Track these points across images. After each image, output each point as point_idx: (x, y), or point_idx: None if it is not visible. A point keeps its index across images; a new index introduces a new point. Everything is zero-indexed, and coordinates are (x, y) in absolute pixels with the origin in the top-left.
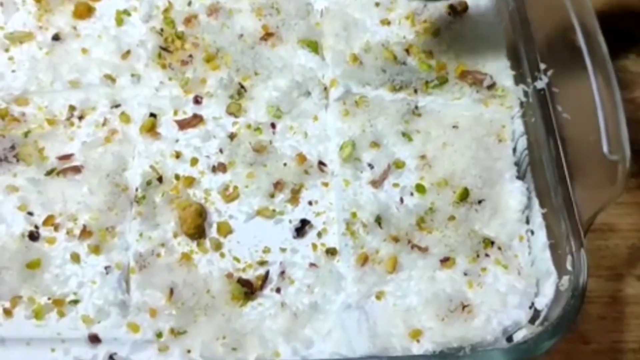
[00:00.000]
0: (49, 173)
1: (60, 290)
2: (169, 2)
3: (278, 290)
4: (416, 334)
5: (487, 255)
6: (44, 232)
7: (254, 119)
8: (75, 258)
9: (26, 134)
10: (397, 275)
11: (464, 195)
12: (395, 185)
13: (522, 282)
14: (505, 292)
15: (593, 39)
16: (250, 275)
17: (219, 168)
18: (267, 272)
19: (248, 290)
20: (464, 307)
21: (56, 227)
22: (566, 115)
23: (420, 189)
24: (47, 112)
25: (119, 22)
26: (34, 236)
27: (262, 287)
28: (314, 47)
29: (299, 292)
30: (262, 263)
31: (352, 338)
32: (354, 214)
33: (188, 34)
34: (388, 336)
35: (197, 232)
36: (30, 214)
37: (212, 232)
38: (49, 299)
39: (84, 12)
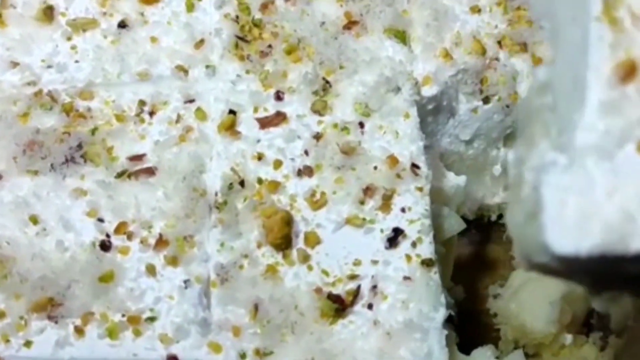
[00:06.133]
0: (120, 175)
1: (135, 306)
2: None
3: (370, 306)
4: None
5: None
6: (116, 241)
7: (340, 118)
8: (151, 270)
9: (93, 131)
10: None
11: None
12: None
13: None
14: None
15: None
16: (340, 290)
17: (305, 172)
18: (359, 287)
19: (339, 306)
20: None
21: (129, 236)
22: None
23: None
24: (114, 107)
25: (190, 7)
26: (105, 246)
27: (353, 303)
28: (402, 37)
29: (392, 308)
30: (353, 277)
31: None
32: None
33: (266, 22)
34: None
35: (284, 243)
36: (101, 220)
37: (299, 243)
38: (123, 315)
39: None
